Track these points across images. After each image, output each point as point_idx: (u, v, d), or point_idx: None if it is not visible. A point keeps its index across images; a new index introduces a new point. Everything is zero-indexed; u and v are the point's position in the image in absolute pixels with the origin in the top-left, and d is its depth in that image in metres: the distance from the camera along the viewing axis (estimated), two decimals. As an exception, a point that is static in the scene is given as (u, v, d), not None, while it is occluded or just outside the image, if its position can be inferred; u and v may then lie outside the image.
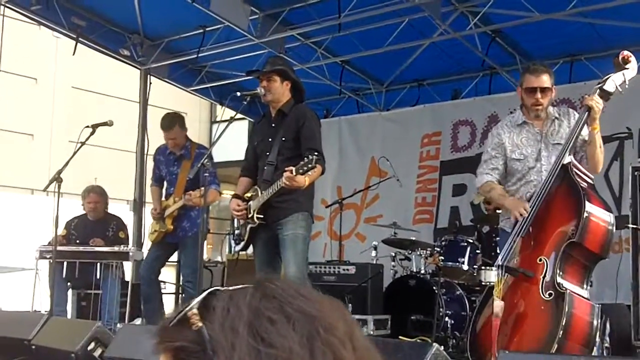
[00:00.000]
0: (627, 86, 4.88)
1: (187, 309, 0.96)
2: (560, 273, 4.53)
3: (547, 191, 4.74)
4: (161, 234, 7.22)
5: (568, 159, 4.79)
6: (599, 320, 4.54)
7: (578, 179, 4.70)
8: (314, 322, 0.93)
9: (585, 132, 4.97)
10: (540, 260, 4.60)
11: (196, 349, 0.92)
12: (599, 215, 4.61)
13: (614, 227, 4.72)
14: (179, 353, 0.93)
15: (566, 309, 4.33)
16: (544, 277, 4.52)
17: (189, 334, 0.93)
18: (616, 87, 4.83)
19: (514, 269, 4.70)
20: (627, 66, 4.89)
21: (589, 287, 4.69)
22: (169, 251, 7.43)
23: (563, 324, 4.31)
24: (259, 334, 0.91)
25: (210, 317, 0.93)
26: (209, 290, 0.98)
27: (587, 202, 4.55)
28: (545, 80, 5.09)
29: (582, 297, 4.53)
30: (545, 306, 4.47)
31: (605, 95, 4.85)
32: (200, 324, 0.93)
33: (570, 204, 4.68)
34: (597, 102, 4.77)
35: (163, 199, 7.47)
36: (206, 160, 5.50)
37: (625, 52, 4.95)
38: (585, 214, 4.52)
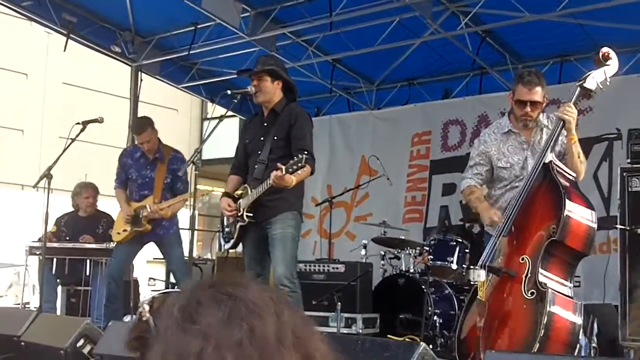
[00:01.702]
0: (608, 83, 4.86)
1: (139, 308, 1.14)
2: (543, 272, 4.53)
3: (529, 190, 4.74)
4: (134, 234, 7.19)
5: (549, 157, 4.78)
6: (582, 319, 4.55)
7: (559, 178, 4.70)
8: (237, 301, 1.04)
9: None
10: (523, 259, 4.60)
11: (147, 335, 1.08)
12: (579, 212, 4.60)
13: (596, 224, 4.72)
14: (135, 343, 1.12)
15: (547, 308, 4.34)
16: (526, 276, 4.52)
17: (143, 325, 1.11)
18: (597, 84, 4.81)
19: (497, 268, 4.71)
20: (607, 63, 4.87)
21: (572, 285, 4.70)
22: (140, 247, 7.41)
23: (544, 322, 4.31)
24: (189, 314, 1.03)
25: (156, 311, 1.10)
26: (163, 291, 1.16)
27: (567, 200, 4.54)
28: (538, 92, 5.04)
29: (565, 295, 4.54)
30: (528, 305, 4.47)
31: (586, 92, 4.84)
32: (148, 316, 1.11)
33: (551, 203, 4.67)
34: (570, 113, 4.75)
35: (132, 201, 7.43)
36: (195, 158, 5.53)
37: (605, 49, 4.91)
38: (566, 212, 4.51)
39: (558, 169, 4.75)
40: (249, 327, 1.01)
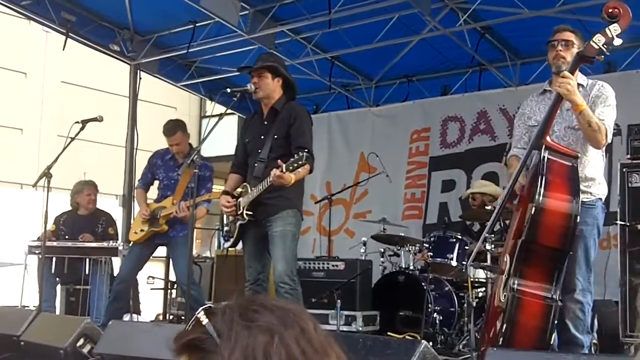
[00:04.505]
0: (616, 43, 4.38)
1: (196, 314, 1.30)
2: (517, 274, 4.19)
3: (517, 181, 4.51)
4: (150, 234, 7.19)
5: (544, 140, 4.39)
6: (553, 323, 4.19)
7: (547, 163, 4.27)
8: (286, 311, 1.29)
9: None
10: (506, 258, 4.34)
11: (206, 337, 1.25)
12: (554, 206, 4.20)
13: (577, 215, 4.24)
14: (194, 343, 1.27)
15: (508, 313, 4.10)
16: (505, 278, 4.23)
17: (200, 329, 1.27)
18: (599, 47, 4.34)
19: (482, 266, 4.57)
20: (613, 20, 4.37)
21: (556, 287, 4.24)
22: (152, 251, 7.40)
23: (502, 330, 4.10)
24: (248, 317, 1.25)
25: (213, 317, 1.28)
26: (206, 306, 1.35)
27: (541, 192, 4.16)
28: (568, 35, 4.77)
29: (543, 297, 4.19)
30: (500, 308, 4.21)
31: (585, 59, 4.46)
32: (207, 320, 1.27)
33: (530, 197, 4.28)
34: (564, 84, 4.36)
35: (151, 201, 7.43)
36: (196, 157, 5.52)
37: (610, 4, 4.37)
38: (533, 210, 4.14)
39: (551, 152, 4.32)
40: (300, 327, 1.27)
